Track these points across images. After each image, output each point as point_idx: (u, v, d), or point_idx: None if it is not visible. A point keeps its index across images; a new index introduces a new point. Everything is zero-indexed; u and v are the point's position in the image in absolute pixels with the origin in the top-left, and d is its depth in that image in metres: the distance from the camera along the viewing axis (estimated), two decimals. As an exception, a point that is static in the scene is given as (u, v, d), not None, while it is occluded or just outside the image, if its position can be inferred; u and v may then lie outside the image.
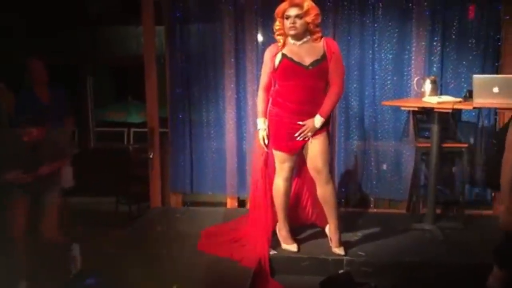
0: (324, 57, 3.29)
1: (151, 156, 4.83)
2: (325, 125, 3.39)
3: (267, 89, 3.46)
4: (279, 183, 3.51)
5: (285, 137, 3.40)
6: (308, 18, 3.25)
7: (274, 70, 3.36)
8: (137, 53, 5.01)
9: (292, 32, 3.27)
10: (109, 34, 7.26)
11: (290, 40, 3.34)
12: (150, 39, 4.72)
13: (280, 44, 3.35)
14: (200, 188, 4.82)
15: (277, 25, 3.35)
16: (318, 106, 3.34)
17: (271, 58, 3.37)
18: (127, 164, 5.88)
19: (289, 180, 3.53)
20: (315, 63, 3.28)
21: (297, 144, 3.39)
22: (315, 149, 3.38)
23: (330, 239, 3.55)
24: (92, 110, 7.79)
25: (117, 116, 8.66)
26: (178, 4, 4.56)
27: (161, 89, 4.82)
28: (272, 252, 3.50)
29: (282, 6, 3.30)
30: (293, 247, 3.56)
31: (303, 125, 3.34)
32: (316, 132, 3.36)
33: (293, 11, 3.24)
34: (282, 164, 3.46)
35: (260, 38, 4.56)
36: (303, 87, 3.31)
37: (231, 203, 4.80)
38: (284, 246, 3.59)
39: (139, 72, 4.84)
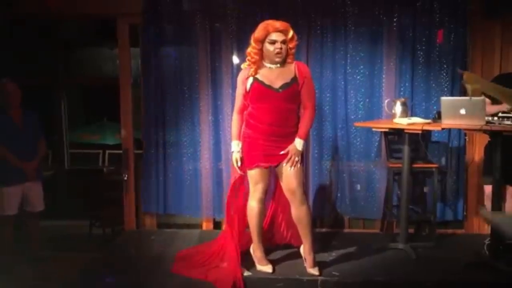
0: (294, 80, 3.34)
1: (125, 178, 4.79)
2: None
3: (241, 112, 3.50)
4: (253, 205, 3.52)
5: (258, 158, 3.42)
6: (291, 44, 3.33)
7: (247, 93, 3.40)
8: (112, 75, 5.01)
9: (278, 59, 3.32)
10: (84, 56, 7.26)
11: (265, 64, 3.39)
12: (125, 61, 4.73)
13: (252, 68, 3.38)
14: (175, 210, 4.78)
15: (254, 48, 3.36)
16: (290, 127, 3.39)
17: (243, 81, 3.42)
18: (102, 186, 5.81)
19: (263, 201, 3.54)
20: (285, 86, 3.33)
21: (271, 161, 3.42)
22: (289, 170, 3.41)
23: (305, 260, 3.56)
24: (66, 132, 7.71)
25: (92, 137, 8.58)
26: (154, 26, 4.58)
27: (137, 111, 4.82)
28: (247, 273, 3.49)
29: (264, 30, 3.31)
30: (268, 268, 3.56)
31: (282, 149, 3.37)
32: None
33: (280, 37, 3.29)
34: (255, 185, 3.48)
35: (235, 60, 4.61)
36: (274, 110, 3.34)
37: (207, 225, 4.78)
38: (259, 267, 3.58)
39: (114, 93, 4.84)
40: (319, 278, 3.44)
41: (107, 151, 8.64)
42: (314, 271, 3.48)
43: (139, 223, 4.87)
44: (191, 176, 4.71)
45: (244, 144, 3.46)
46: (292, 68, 3.38)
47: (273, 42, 3.30)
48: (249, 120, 3.44)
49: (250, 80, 3.37)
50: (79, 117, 8.75)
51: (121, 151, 4.92)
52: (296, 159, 3.37)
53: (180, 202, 4.74)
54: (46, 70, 6.66)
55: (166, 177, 4.73)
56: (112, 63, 5.11)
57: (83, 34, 5.85)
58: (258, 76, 3.36)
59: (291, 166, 3.37)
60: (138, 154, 4.91)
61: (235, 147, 3.49)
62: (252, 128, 3.42)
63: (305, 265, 3.55)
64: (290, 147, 3.37)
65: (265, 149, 3.40)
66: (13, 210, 4.16)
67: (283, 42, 3.30)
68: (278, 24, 3.31)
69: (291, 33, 3.32)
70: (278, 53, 3.30)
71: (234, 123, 3.52)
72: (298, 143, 3.38)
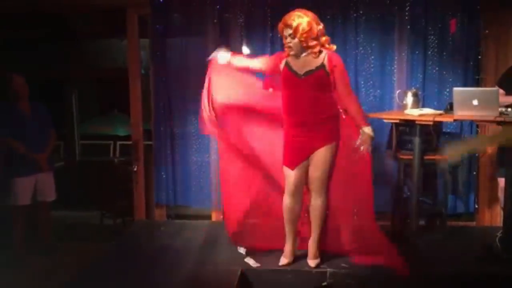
0: (320, 67, 3.28)
1: (135, 169, 4.81)
2: (327, 140, 3.35)
3: (260, 61, 3.52)
4: (284, 199, 3.46)
5: (288, 152, 3.41)
6: (300, 37, 3.24)
7: (279, 75, 3.41)
8: (122, 66, 5.02)
9: (291, 52, 3.32)
10: (94, 48, 7.26)
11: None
12: (134, 52, 4.73)
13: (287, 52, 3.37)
14: (185, 201, 4.79)
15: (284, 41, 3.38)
16: (318, 114, 3.31)
17: (277, 62, 3.42)
18: (112, 177, 5.84)
19: (294, 195, 3.42)
20: (308, 72, 3.29)
21: (298, 159, 3.37)
22: (314, 160, 3.36)
23: (308, 250, 3.53)
24: (77, 123, 7.76)
25: (103, 129, 8.62)
26: (163, 17, 4.57)
27: (147, 101, 4.82)
28: (255, 264, 3.49)
29: (280, 25, 3.32)
30: (282, 260, 3.51)
31: (315, 140, 3.34)
32: (319, 144, 3.34)
33: (286, 31, 3.27)
34: (287, 179, 3.43)
35: (244, 50, 4.58)
36: (297, 97, 3.31)
37: (216, 216, 4.78)
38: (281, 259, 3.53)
39: (125, 84, 4.84)
40: (328, 269, 3.41)
41: (118, 142, 8.68)
42: (311, 263, 3.46)
43: (149, 214, 4.89)
44: (200, 167, 4.71)
45: (283, 140, 3.45)
46: (321, 57, 3.31)
47: (285, 37, 3.30)
48: (283, 115, 3.43)
49: (283, 63, 3.38)
50: (90, 108, 8.79)
51: (131, 142, 4.94)
52: (367, 146, 3.29)
53: (190, 193, 4.75)
54: (57, 62, 6.68)
55: (177, 169, 4.74)
56: (123, 54, 5.10)
57: (92, 25, 5.85)
58: (290, 61, 3.36)
59: (365, 152, 3.30)
60: (148, 145, 4.92)
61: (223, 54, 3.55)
62: (285, 122, 3.42)
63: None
64: (361, 137, 3.29)
65: (295, 145, 3.37)
66: (25, 200, 4.20)
67: (291, 36, 3.25)
68: (285, 17, 3.27)
69: (294, 25, 3.21)
70: (287, 48, 3.30)
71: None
72: (367, 130, 3.29)
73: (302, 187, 3.47)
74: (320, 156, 3.36)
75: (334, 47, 3.38)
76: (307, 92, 3.30)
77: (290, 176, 3.40)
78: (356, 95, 3.44)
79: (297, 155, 3.38)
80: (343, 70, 3.36)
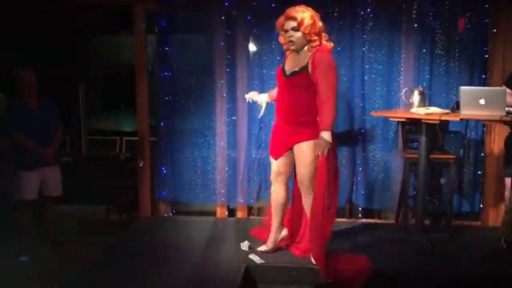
0: (304, 68, 3.24)
1: (140, 165, 4.83)
2: (310, 136, 3.28)
3: None
4: (271, 186, 3.60)
5: (271, 143, 3.52)
6: (304, 30, 3.21)
7: None
8: (129, 62, 5.03)
9: (292, 47, 3.29)
10: (101, 44, 7.28)
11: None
12: (141, 48, 4.74)
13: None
14: (190, 197, 4.80)
15: (280, 38, 3.39)
16: (299, 116, 3.31)
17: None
18: (118, 172, 5.87)
19: (278, 182, 3.52)
20: (293, 73, 3.29)
21: (280, 150, 3.44)
22: (298, 156, 3.36)
23: None
24: (84, 119, 7.79)
25: (109, 124, 8.63)
26: (170, 13, 4.58)
27: (154, 98, 4.83)
28: (260, 261, 3.50)
29: (280, 19, 3.32)
30: (262, 247, 3.62)
31: (294, 136, 3.35)
32: (302, 138, 3.30)
33: (290, 24, 3.24)
34: (271, 167, 3.56)
35: (251, 47, 4.59)
36: (282, 96, 3.39)
37: (221, 212, 4.80)
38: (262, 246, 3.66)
39: (131, 81, 4.86)
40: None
41: (124, 138, 8.70)
42: (314, 260, 3.46)
43: (154, 210, 4.91)
44: (205, 164, 4.72)
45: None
46: (309, 55, 3.26)
47: (286, 31, 3.27)
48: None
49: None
50: (96, 104, 8.81)
51: (137, 138, 4.95)
52: (319, 153, 3.17)
53: (195, 189, 4.76)
54: (64, 58, 6.70)
55: (181, 165, 4.74)
56: (130, 50, 5.12)
57: (99, 22, 5.87)
58: (287, 59, 3.40)
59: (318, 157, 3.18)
60: (154, 141, 4.93)
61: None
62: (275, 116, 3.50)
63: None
64: (316, 141, 3.19)
65: (277, 137, 3.45)
66: (32, 195, 4.22)
67: (295, 29, 3.22)
68: (289, 10, 3.26)
69: (299, 17, 3.19)
70: (289, 42, 3.28)
71: None
72: (323, 135, 3.17)
73: (286, 176, 3.53)
74: (303, 151, 3.31)
75: (332, 44, 3.36)
76: (288, 92, 3.32)
77: (273, 164, 3.51)
78: (333, 101, 3.19)
79: (279, 147, 3.44)
80: (328, 70, 3.19)
